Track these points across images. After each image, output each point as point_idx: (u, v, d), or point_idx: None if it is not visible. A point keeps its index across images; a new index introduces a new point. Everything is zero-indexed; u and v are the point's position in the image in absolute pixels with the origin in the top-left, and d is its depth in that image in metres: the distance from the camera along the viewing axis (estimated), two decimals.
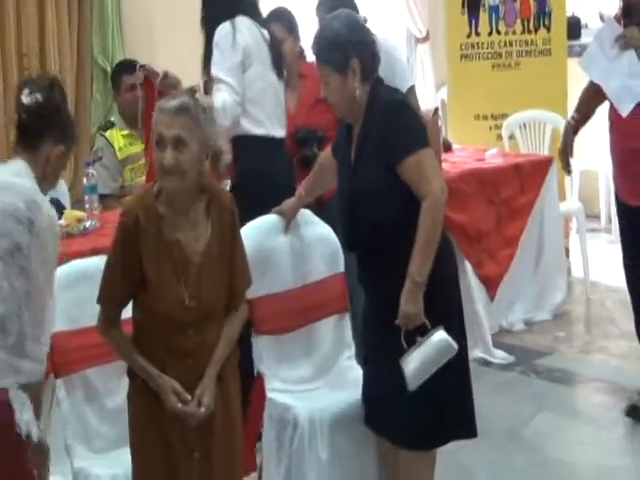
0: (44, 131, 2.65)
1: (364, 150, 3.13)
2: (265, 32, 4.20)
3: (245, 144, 4.07)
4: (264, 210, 3.60)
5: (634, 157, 4.21)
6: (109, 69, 6.41)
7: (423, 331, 2.99)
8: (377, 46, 3.19)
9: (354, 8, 4.12)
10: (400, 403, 3.09)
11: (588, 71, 4.39)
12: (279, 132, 4.15)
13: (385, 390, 3.17)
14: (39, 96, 2.63)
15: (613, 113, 4.35)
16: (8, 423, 2.49)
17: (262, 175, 3.96)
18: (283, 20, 4.74)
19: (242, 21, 4.06)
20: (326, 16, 3.47)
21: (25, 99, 2.64)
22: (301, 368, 3.65)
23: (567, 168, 4.68)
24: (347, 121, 3.24)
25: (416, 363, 2.96)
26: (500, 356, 5.10)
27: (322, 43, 3.15)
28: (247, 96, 3.99)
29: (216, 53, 3.98)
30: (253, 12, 4.18)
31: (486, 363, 5.02)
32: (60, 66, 6.40)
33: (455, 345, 2.98)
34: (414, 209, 2.97)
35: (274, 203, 3.61)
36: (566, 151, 4.56)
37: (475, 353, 5.12)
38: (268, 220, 3.64)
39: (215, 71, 3.97)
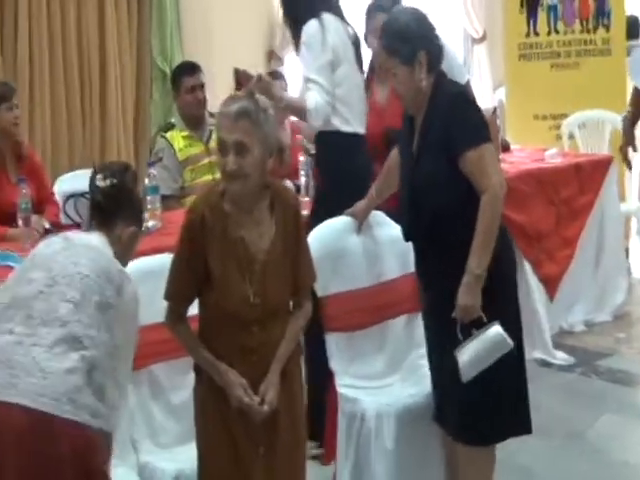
0: (117, 212, 2.73)
1: (427, 141, 3.15)
2: (350, 29, 4.19)
3: (334, 141, 4.03)
4: (349, 205, 3.64)
5: None
6: (168, 71, 6.48)
7: (479, 325, 3.02)
8: (441, 40, 3.24)
9: None
10: (458, 397, 3.13)
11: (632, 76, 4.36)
12: (362, 129, 4.13)
13: (445, 384, 3.22)
14: (114, 180, 2.71)
15: None
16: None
17: (347, 172, 3.95)
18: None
19: (329, 19, 4.02)
20: (392, 10, 3.53)
21: (100, 182, 2.72)
22: (372, 365, 3.67)
23: (627, 162, 4.64)
24: (410, 112, 3.26)
25: (470, 355, 3.00)
26: (560, 357, 5.06)
27: (391, 36, 3.18)
28: (337, 95, 3.97)
29: (305, 52, 3.97)
30: (337, 9, 4.16)
31: (546, 364, 4.98)
32: (120, 67, 6.48)
33: (510, 341, 3.00)
34: (473, 200, 3.00)
35: (357, 198, 3.65)
36: (627, 144, 4.51)
37: (535, 354, 5.09)
38: (341, 220, 3.68)
39: (305, 71, 3.96)
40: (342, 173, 3.96)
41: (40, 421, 2.29)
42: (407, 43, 3.12)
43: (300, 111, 3.92)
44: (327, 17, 4.00)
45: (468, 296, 2.99)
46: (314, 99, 3.82)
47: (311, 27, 3.93)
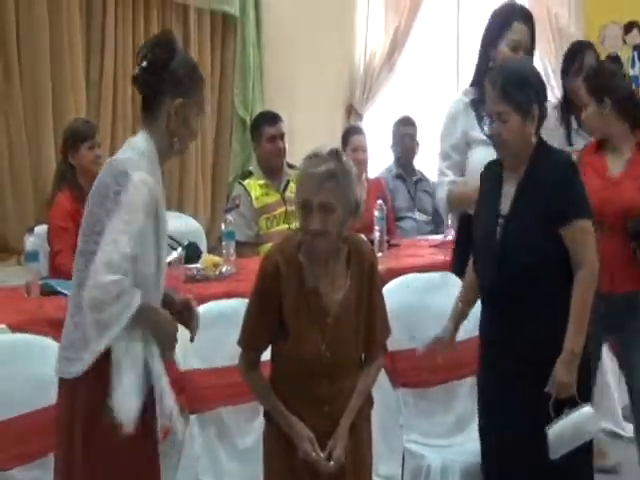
0: (157, 89, 2.64)
1: (526, 199, 3.11)
2: None
3: None
4: None
5: None
6: (248, 120, 6.57)
7: (571, 403, 3.00)
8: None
9: None
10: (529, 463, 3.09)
11: None
12: None
13: (508, 448, 3.15)
14: (146, 57, 2.65)
15: None
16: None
17: None
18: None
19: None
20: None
21: (136, 71, 2.70)
22: (439, 423, 3.67)
23: None
24: (507, 162, 3.19)
25: (563, 433, 2.97)
26: (630, 430, 4.96)
27: (510, 81, 3.10)
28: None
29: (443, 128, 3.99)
30: None
31: (616, 436, 4.89)
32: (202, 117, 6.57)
33: (601, 423, 2.99)
34: (561, 268, 3.03)
35: None
36: None
37: (604, 425, 5.01)
38: (418, 277, 3.72)
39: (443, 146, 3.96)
40: None
41: None
42: (525, 92, 3.08)
43: None
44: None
45: (566, 373, 2.97)
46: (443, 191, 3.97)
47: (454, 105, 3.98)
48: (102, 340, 2.46)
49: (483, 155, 3.58)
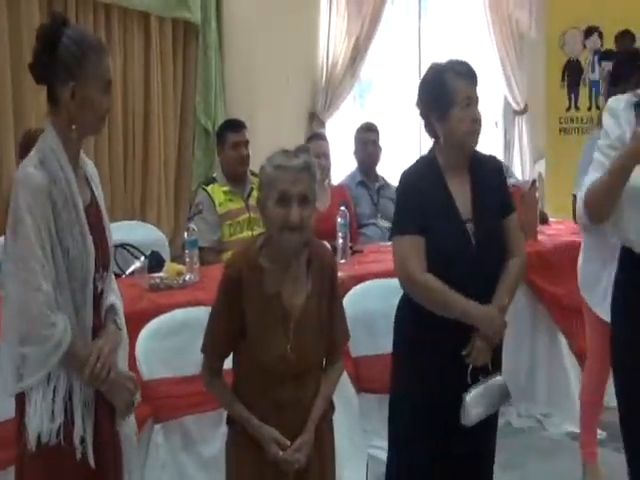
0: (49, 79, 2.57)
1: (481, 199, 3.20)
2: None
3: None
4: None
5: None
6: (211, 129, 6.61)
7: (485, 373, 3.13)
8: None
9: None
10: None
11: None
12: None
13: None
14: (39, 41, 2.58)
15: None
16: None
17: None
18: None
19: None
20: None
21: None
22: None
23: None
24: (456, 164, 3.22)
25: (479, 399, 3.08)
26: None
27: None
28: None
29: None
30: None
31: (576, 437, 4.93)
32: (163, 123, 6.58)
33: (510, 394, 3.19)
34: None
35: None
36: None
37: (565, 427, 5.08)
38: (385, 284, 3.72)
39: None
40: None
41: None
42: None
43: None
44: None
45: (486, 344, 3.12)
46: None
47: None
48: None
49: None
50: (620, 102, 3.05)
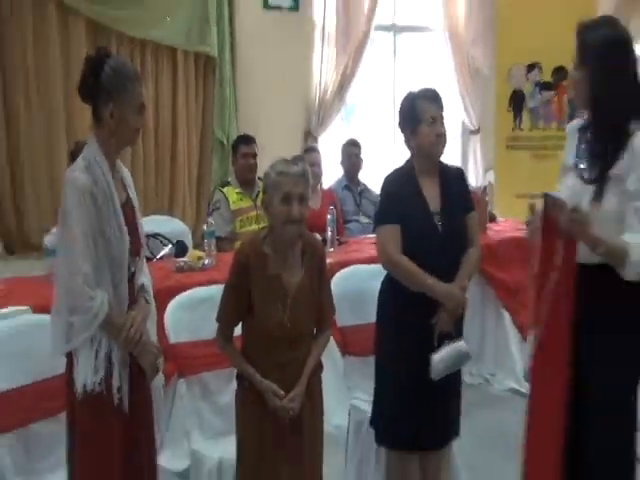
0: (94, 100, 2.56)
1: (449, 198, 3.22)
2: None
3: None
4: None
5: None
6: (225, 142, 6.56)
7: (449, 339, 3.15)
8: None
9: None
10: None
11: None
12: None
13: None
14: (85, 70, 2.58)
15: None
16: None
17: None
18: None
19: None
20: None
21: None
22: None
23: None
24: (428, 168, 3.23)
25: (445, 359, 3.11)
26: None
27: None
28: None
29: None
30: None
31: (517, 392, 4.95)
32: (187, 137, 6.55)
33: (470, 355, 3.22)
34: None
35: None
36: None
37: (509, 384, 5.13)
38: (365, 268, 3.73)
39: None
40: None
41: None
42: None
43: (620, 259, 2.49)
44: None
45: (449, 316, 3.15)
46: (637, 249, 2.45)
47: None
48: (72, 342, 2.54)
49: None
50: (572, 126, 2.96)
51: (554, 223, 2.58)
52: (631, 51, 2.69)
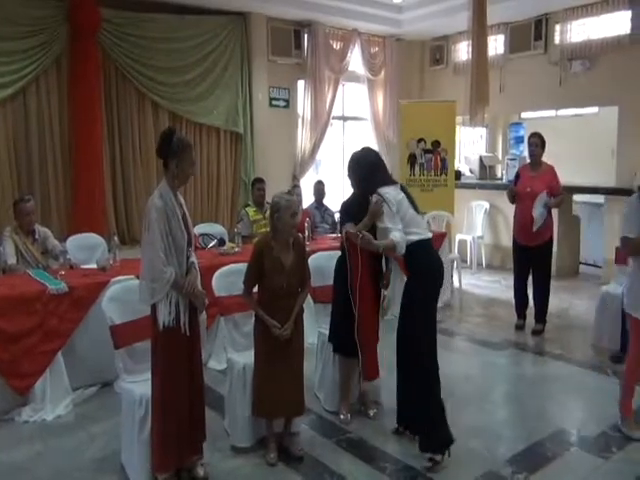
0: (166, 156, 2.49)
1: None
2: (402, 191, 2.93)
3: (414, 248, 2.77)
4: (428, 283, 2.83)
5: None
6: (247, 181, 6.47)
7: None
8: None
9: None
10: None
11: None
12: (428, 234, 2.87)
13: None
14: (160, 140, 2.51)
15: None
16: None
17: (427, 264, 2.85)
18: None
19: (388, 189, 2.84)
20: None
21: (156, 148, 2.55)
22: None
23: None
24: (364, 196, 2.88)
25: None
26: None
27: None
28: (405, 222, 2.79)
29: (386, 211, 2.77)
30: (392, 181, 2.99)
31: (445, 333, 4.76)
32: (225, 178, 6.51)
33: None
34: None
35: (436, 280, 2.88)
36: None
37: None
38: (327, 254, 3.58)
39: (386, 223, 2.75)
40: (424, 266, 2.84)
41: None
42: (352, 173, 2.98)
43: (392, 247, 2.70)
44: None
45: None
46: (396, 237, 2.69)
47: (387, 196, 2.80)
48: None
49: None
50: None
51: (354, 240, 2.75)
52: None
